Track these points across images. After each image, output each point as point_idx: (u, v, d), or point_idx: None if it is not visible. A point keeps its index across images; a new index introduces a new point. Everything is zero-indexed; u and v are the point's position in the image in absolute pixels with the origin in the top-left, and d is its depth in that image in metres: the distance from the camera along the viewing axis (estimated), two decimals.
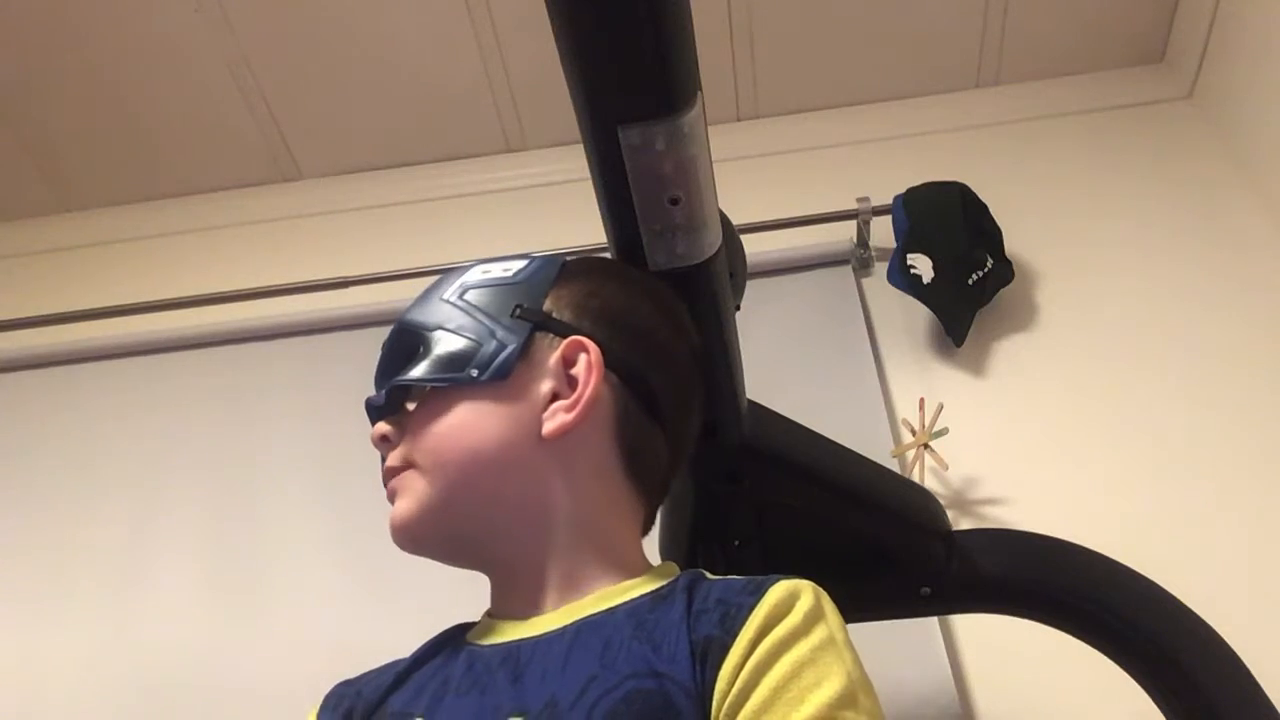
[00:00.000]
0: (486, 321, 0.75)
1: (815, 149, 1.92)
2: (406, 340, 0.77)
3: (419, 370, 0.75)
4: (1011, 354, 1.62)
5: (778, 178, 1.86)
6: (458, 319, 0.76)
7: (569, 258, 0.82)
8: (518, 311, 0.75)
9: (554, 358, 0.74)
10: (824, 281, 1.72)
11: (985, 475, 1.47)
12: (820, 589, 0.66)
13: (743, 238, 1.00)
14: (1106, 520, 1.37)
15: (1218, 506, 1.42)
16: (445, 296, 0.78)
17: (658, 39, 0.68)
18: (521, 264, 0.79)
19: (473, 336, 0.75)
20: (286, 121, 1.99)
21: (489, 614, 0.77)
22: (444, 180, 2.01)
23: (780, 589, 0.65)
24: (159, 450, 1.70)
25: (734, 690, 0.60)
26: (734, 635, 0.62)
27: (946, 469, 1.45)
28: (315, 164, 2.05)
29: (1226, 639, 1.00)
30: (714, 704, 0.60)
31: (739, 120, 1.98)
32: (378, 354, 0.80)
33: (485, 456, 0.73)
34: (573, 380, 0.74)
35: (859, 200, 1.69)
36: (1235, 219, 1.71)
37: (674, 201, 0.74)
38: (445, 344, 0.75)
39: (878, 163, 1.84)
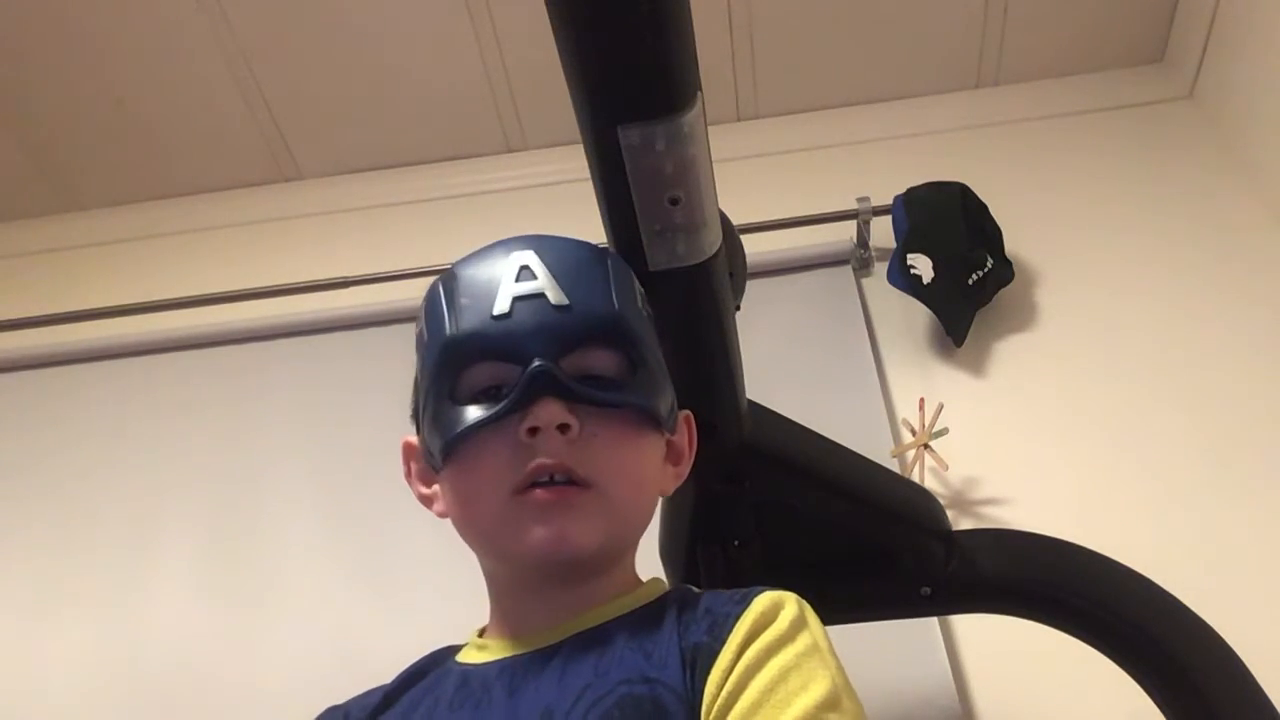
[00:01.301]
0: (665, 367, 0.76)
1: (815, 149, 1.92)
2: (618, 335, 0.72)
3: (641, 394, 0.72)
4: (1011, 354, 1.62)
5: (778, 178, 1.86)
6: (657, 351, 0.75)
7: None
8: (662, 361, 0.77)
9: (677, 422, 0.79)
10: (824, 281, 1.72)
11: (985, 475, 1.47)
12: (803, 600, 0.68)
13: (743, 238, 1.00)
14: (1106, 520, 1.37)
15: (1217, 506, 1.41)
16: (641, 306, 0.75)
17: (658, 39, 0.68)
18: (640, 286, 0.77)
19: (669, 382, 0.76)
20: (286, 121, 1.99)
21: (480, 635, 0.77)
22: (444, 180, 2.01)
23: (765, 599, 0.66)
24: (159, 450, 1.69)
25: (723, 694, 0.61)
26: (722, 642, 0.64)
27: (946, 469, 1.45)
28: (315, 164, 2.05)
29: (1226, 639, 1.00)
30: (704, 708, 0.62)
31: (739, 120, 1.98)
32: (540, 305, 0.70)
33: (648, 512, 0.76)
34: (672, 445, 0.78)
35: (859, 200, 1.69)
36: (1235, 219, 1.71)
37: (674, 201, 0.74)
38: (655, 377, 0.74)
39: (878, 163, 1.84)
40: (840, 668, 0.64)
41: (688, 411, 0.80)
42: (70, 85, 1.94)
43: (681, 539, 1.00)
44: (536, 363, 0.68)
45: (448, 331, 0.71)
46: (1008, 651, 1.28)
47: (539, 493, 0.67)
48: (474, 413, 0.69)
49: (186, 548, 1.58)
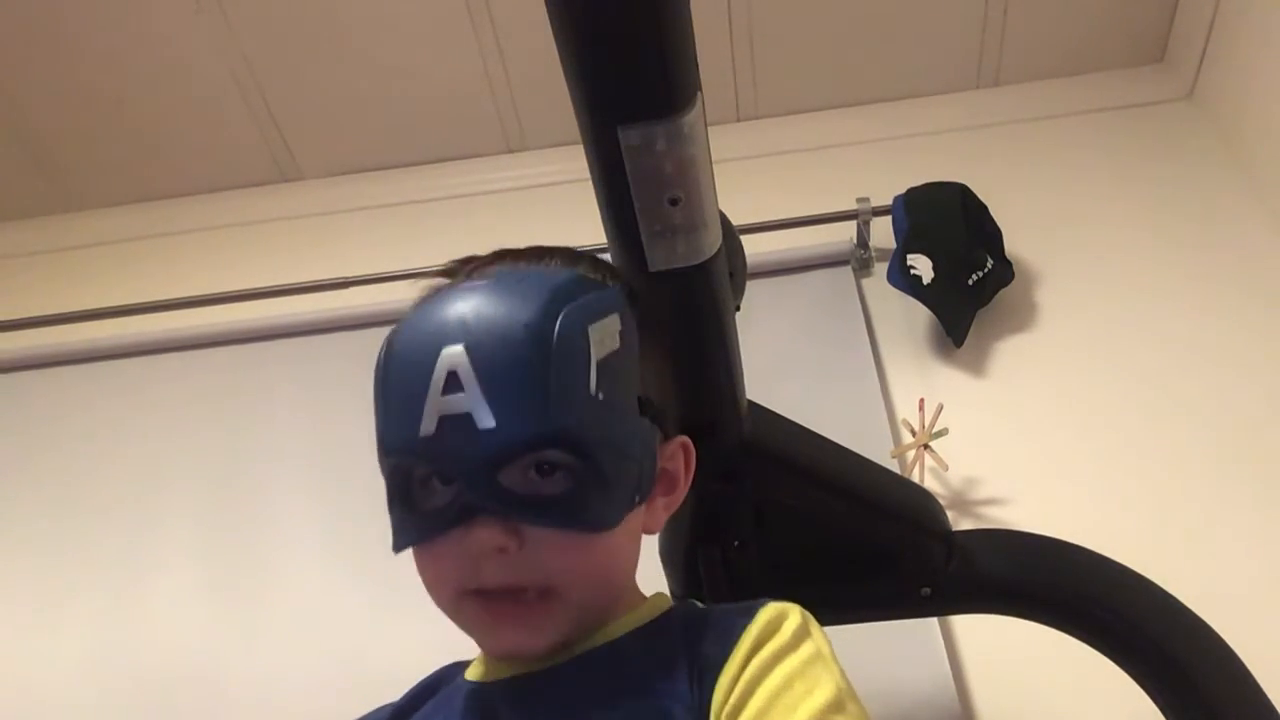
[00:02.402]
0: (632, 427, 0.69)
1: (815, 149, 1.92)
2: (556, 448, 0.65)
3: (590, 501, 0.66)
4: (1011, 354, 1.62)
5: (778, 178, 1.86)
6: (619, 433, 0.68)
7: (625, 303, 0.72)
8: (643, 409, 0.70)
9: (668, 459, 0.76)
10: (824, 281, 1.72)
11: (985, 475, 1.47)
12: (806, 611, 0.69)
13: (743, 238, 1.00)
14: (1106, 520, 1.37)
15: (1217, 506, 1.41)
16: (594, 391, 0.66)
17: (658, 39, 0.68)
18: (616, 321, 0.69)
19: (635, 455, 0.69)
20: (286, 121, 1.99)
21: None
22: (444, 180, 2.01)
23: (770, 610, 0.68)
24: (159, 450, 1.69)
25: (730, 703, 0.62)
26: (728, 652, 0.65)
27: (946, 469, 1.45)
28: (315, 164, 2.05)
29: (1226, 639, 1.00)
30: (711, 717, 0.63)
31: (739, 120, 1.98)
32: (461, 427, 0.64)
33: (627, 576, 0.74)
34: (667, 475, 0.75)
35: (859, 200, 1.69)
36: (1235, 219, 1.71)
37: (674, 202, 0.74)
38: (612, 467, 0.67)
39: (878, 163, 1.84)
40: (844, 674, 0.65)
41: (684, 439, 0.77)
42: (70, 85, 1.94)
43: (681, 540, 1.00)
44: (465, 490, 0.64)
45: (380, 431, 0.68)
46: (1008, 651, 1.28)
47: (481, 612, 0.67)
48: (418, 521, 0.67)
49: (187, 548, 1.58)
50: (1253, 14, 1.69)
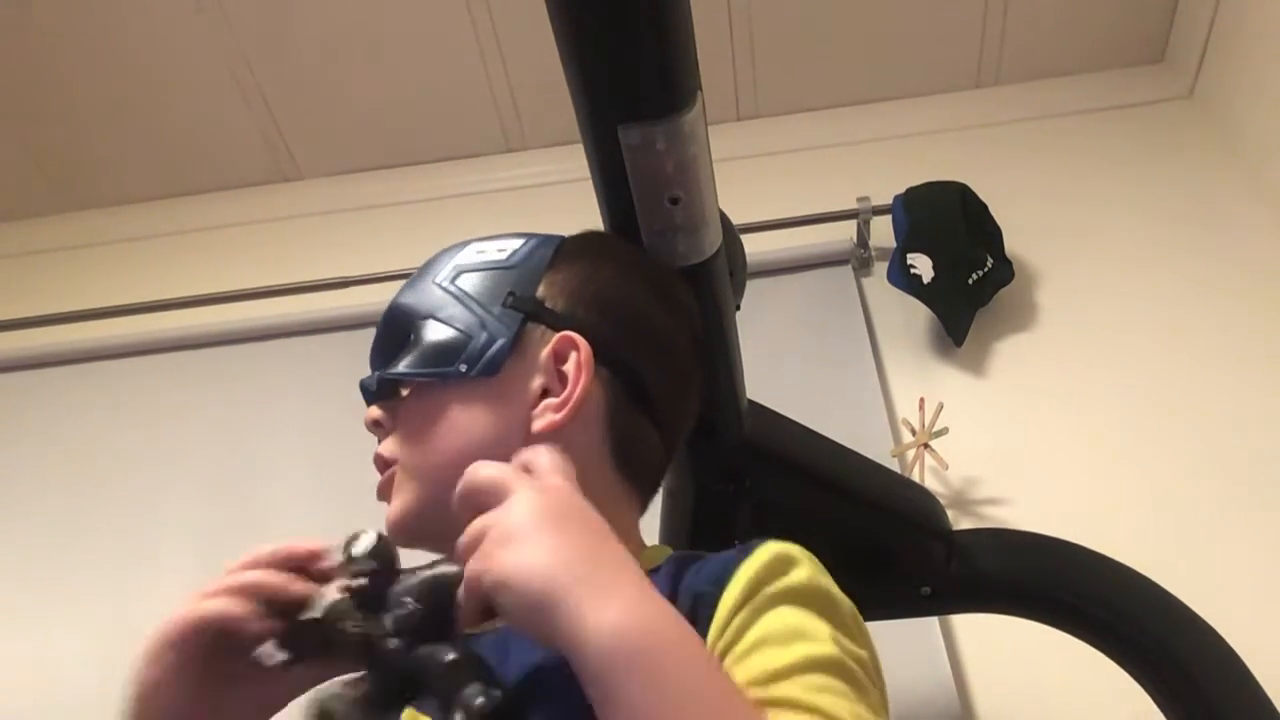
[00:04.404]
0: (478, 310, 0.74)
1: (815, 149, 1.92)
2: (398, 324, 0.76)
3: (407, 361, 0.74)
4: (1011, 354, 1.62)
5: (778, 178, 1.86)
6: (449, 307, 0.74)
7: (567, 236, 0.79)
8: (510, 300, 0.74)
9: (545, 352, 0.73)
10: (824, 281, 1.72)
11: (985, 475, 1.47)
12: (806, 550, 0.64)
13: (743, 238, 0.99)
14: (1106, 520, 1.37)
15: (1218, 505, 1.42)
16: (438, 280, 0.76)
17: (658, 39, 0.68)
18: (517, 244, 0.78)
19: (463, 327, 0.73)
20: (286, 121, 1.99)
21: None
22: (444, 180, 2.01)
23: (768, 548, 0.63)
24: (159, 450, 1.70)
25: (724, 639, 0.59)
26: (723, 588, 0.61)
27: (946, 469, 1.45)
28: (315, 164, 2.05)
29: (1226, 639, 1.00)
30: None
31: (739, 120, 1.98)
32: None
33: (471, 458, 0.69)
34: (563, 376, 0.72)
35: (859, 200, 1.69)
36: (1235, 218, 1.71)
37: (674, 201, 0.74)
38: (435, 334, 0.74)
39: (878, 163, 1.84)
40: (848, 613, 0.62)
41: (568, 334, 0.72)
42: (70, 85, 1.94)
43: (682, 539, 1.00)
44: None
45: None
46: (1008, 651, 1.28)
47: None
48: None
49: (187, 548, 1.57)
50: (1253, 14, 1.69)
